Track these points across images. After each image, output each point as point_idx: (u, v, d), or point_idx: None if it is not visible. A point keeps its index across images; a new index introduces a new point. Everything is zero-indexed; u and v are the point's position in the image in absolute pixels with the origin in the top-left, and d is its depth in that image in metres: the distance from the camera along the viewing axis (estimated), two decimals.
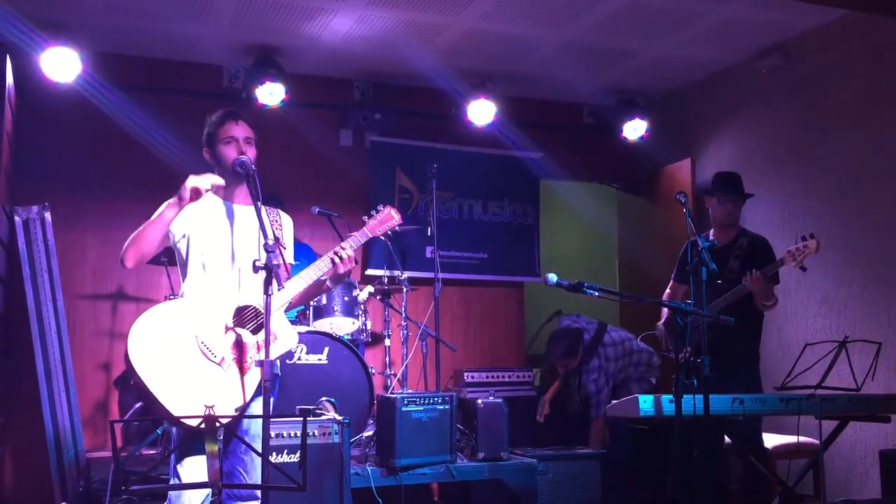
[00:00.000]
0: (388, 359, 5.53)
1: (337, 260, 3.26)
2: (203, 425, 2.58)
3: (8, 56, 4.99)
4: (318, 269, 3.27)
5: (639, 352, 5.47)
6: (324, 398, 4.45)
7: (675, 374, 3.59)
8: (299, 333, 4.74)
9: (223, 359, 3.06)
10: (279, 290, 3.01)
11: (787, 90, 5.76)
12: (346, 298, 5.25)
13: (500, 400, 4.84)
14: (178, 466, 3.06)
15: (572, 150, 7.01)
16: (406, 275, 5.40)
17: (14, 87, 5.23)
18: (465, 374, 5.70)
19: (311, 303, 5.19)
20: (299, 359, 4.75)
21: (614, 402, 4.06)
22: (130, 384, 5.01)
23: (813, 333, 5.32)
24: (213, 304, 3.11)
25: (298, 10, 5.21)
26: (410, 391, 4.92)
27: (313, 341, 4.82)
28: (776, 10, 5.18)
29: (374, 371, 5.08)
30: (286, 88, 5.69)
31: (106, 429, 5.52)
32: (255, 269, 2.86)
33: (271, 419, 2.98)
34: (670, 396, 3.66)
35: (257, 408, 3.13)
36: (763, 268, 4.24)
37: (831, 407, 4.07)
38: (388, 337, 5.49)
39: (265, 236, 2.95)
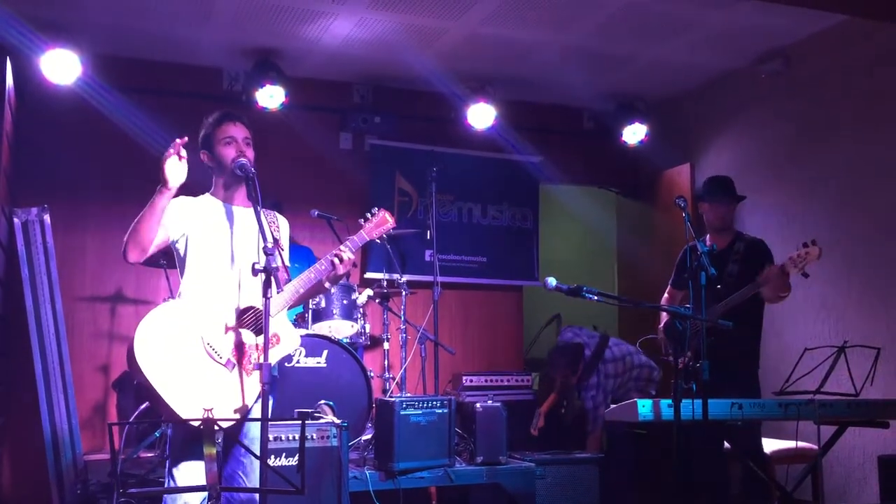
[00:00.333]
0: (386, 362, 5.53)
1: (337, 262, 3.27)
2: (202, 428, 2.58)
3: (8, 58, 4.99)
4: (317, 271, 3.28)
5: (639, 367, 5.47)
6: (322, 401, 4.45)
7: (674, 378, 3.58)
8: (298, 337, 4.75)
9: (228, 360, 3.06)
10: (278, 292, 3.02)
11: (787, 95, 5.77)
12: (344, 302, 5.25)
13: (498, 404, 4.83)
14: (175, 470, 3.06)
15: (572, 155, 7.02)
16: (405, 278, 5.40)
17: (14, 89, 5.23)
18: (464, 377, 5.70)
19: (310, 306, 5.19)
20: (298, 362, 4.75)
21: (613, 406, 4.06)
22: (132, 384, 5.00)
23: (812, 338, 5.32)
24: (217, 306, 3.11)
25: (299, 13, 5.21)
26: (409, 395, 4.92)
27: (312, 344, 4.82)
28: (776, 16, 5.18)
29: (372, 374, 5.07)
30: (286, 91, 5.70)
31: (104, 431, 5.51)
32: (255, 272, 2.86)
33: (270, 422, 2.98)
34: (669, 401, 3.66)
35: (256, 411, 3.14)
36: (762, 269, 4.24)
37: (830, 412, 4.07)
38: (387, 340, 5.49)
39: (264, 239, 2.96)
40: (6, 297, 5.14)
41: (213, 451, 2.61)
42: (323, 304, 5.20)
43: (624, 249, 7.39)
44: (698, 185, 6.34)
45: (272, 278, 2.87)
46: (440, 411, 4.58)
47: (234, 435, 3.05)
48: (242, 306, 3.15)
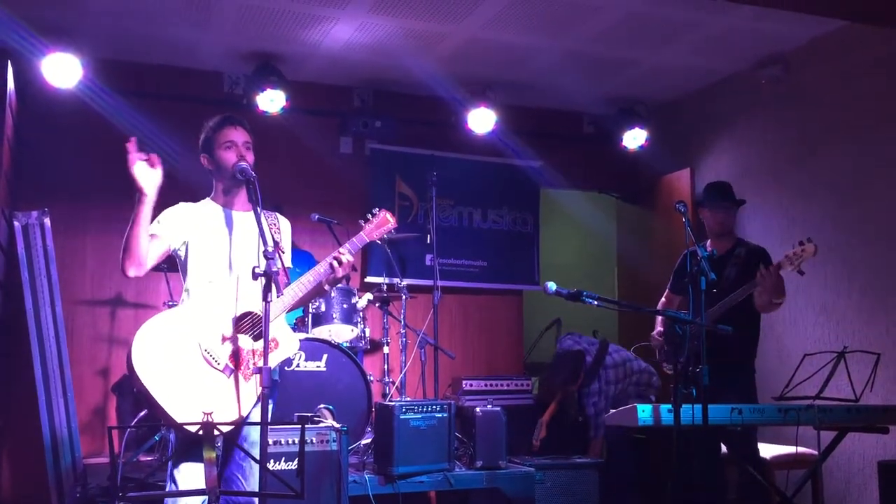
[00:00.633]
0: (386, 366, 5.53)
1: (336, 265, 3.27)
2: (202, 432, 2.59)
3: (9, 61, 5.00)
4: (317, 274, 3.28)
5: (639, 372, 5.47)
6: (322, 405, 4.45)
7: (674, 383, 3.58)
8: (298, 340, 4.75)
9: (226, 366, 3.06)
10: (278, 296, 3.02)
11: (787, 100, 5.78)
12: (344, 306, 5.25)
13: (498, 408, 4.83)
14: (175, 472, 3.06)
15: (572, 159, 7.02)
16: (405, 282, 5.40)
17: (15, 93, 5.24)
18: (464, 382, 5.69)
19: (310, 310, 5.19)
20: (298, 366, 4.74)
21: (613, 411, 4.06)
22: (130, 391, 5.01)
23: (812, 344, 5.32)
24: (215, 312, 3.11)
25: (299, 17, 5.22)
26: (409, 399, 4.91)
27: (312, 348, 4.81)
28: (776, 21, 5.19)
29: (372, 378, 5.07)
30: (287, 95, 5.71)
31: (103, 435, 5.51)
32: (255, 275, 2.87)
33: (269, 426, 2.98)
34: (669, 406, 3.66)
35: (256, 415, 3.14)
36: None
37: (830, 417, 4.06)
38: (387, 344, 5.49)
39: (265, 243, 2.96)
40: (6, 301, 5.14)
41: (213, 454, 2.61)
42: (323, 308, 5.19)
43: (624, 254, 7.39)
44: (698, 190, 6.34)
45: (272, 282, 2.87)
46: (440, 415, 4.58)
47: (233, 439, 3.05)
48: (240, 312, 3.15)
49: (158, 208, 3.26)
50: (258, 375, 3.08)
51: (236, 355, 3.08)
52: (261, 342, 3.11)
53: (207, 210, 3.30)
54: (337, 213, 5.37)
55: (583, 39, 5.56)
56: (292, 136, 6.08)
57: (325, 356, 4.84)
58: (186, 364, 3.00)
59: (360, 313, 5.38)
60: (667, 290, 4.85)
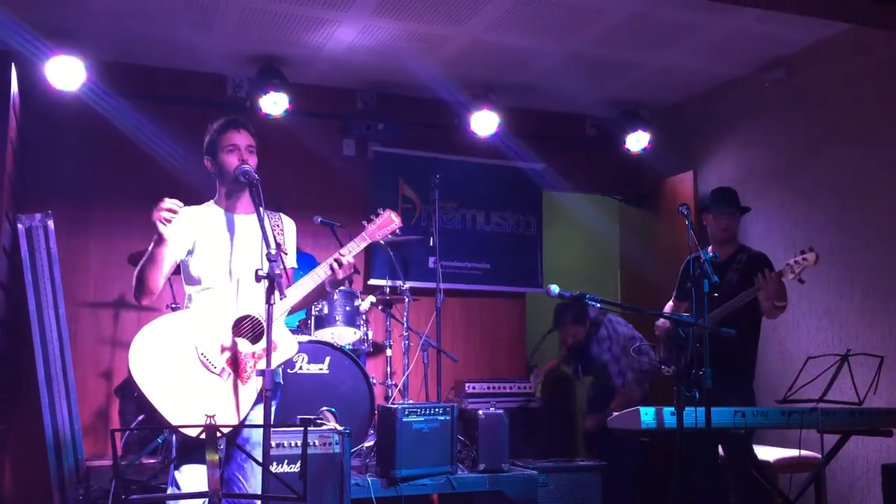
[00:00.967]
0: (389, 369, 5.53)
1: (336, 266, 3.26)
2: (204, 435, 2.59)
3: (13, 64, 5.01)
4: (317, 277, 3.28)
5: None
6: (324, 408, 4.46)
7: (677, 386, 3.58)
8: (301, 343, 4.74)
9: (223, 369, 3.06)
10: (281, 299, 3.02)
11: (790, 103, 5.77)
12: (347, 308, 5.25)
13: (501, 411, 4.83)
14: (177, 473, 3.07)
15: (575, 162, 7.02)
16: (408, 285, 5.40)
17: (19, 95, 5.24)
18: (467, 384, 5.69)
19: (313, 312, 5.20)
20: (300, 368, 4.74)
21: (615, 414, 4.06)
22: (133, 393, 5.01)
23: (815, 347, 5.31)
24: (213, 316, 3.12)
25: (303, 20, 5.23)
26: (411, 402, 4.91)
27: (314, 351, 4.81)
28: (779, 24, 5.19)
29: (375, 381, 5.07)
30: (290, 98, 5.71)
31: (106, 437, 5.51)
32: (258, 278, 2.87)
33: (272, 429, 2.98)
34: (672, 409, 3.66)
35: (258, 416, 3.14)
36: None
37: (833, 420, 4.06)
38: (390, 347, 5.49)
39: (267, 245, 2.96)
40: (9, 303, 5.14)
41: (216, 457, 2.61)
42: (326, 311, 5.19)
43: (627, 256, 7.39)
44: (701, 193, 6.36)
45: (275, 284, 2.87)
46: (442, 418, 4.58)
47: (232, 440, 3.06)
48: (239, 315, 3.15)
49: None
50: (255, 378, 3.08)
51: (234, 358, 3.09)
52: (258, 345, 3.12)
53: (210, 214, 3.31)
54: (340, 215, 5.37)
55: (586, 42, 5.56)
56: (295, 138, 6.08)
57: (327, 359, 4.84)
58: (183, 368, 3.01)
59: (363, 316, 5.38)
60: (672, 297, 4.84)
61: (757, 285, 4.21)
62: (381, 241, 3.64)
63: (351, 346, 5.21)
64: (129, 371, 2.94)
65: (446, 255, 6.30)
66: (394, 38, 5.49)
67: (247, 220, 3.31)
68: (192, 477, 3.04)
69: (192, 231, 3.24)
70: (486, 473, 4.67)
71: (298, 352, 4.64)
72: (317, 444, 4.05)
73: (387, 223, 3.51)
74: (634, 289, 7.04)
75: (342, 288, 5.07)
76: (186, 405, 2.96)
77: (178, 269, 3.34)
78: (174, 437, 3.17)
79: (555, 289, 3.54)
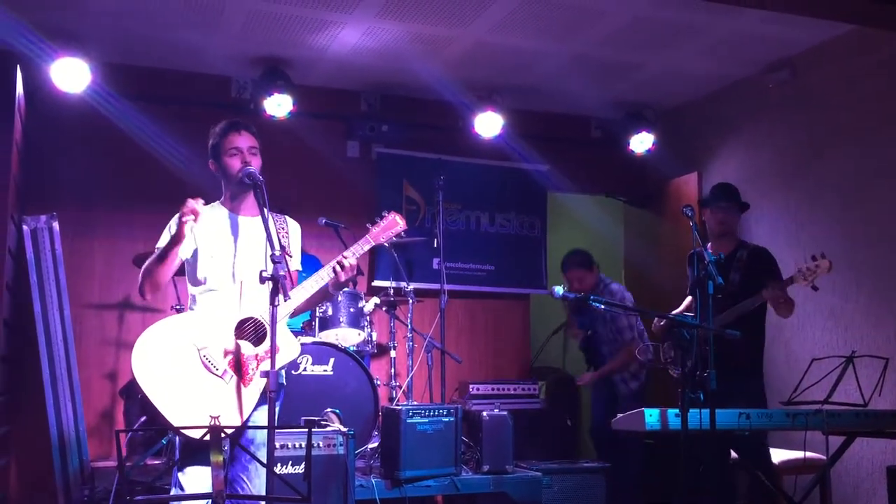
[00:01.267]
0: (393, 370, 5.53)
1: (339, 269, 3.26)
2: (208, 436, 2.59)
3: (18, 66, 5.02)
4: (320, 279, 3.28)
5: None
6: (329, 409, 4.46)
7: (681, 387, 3.57)
8: (305, 344, 4.75)
9: (225, 371, 3.07)
10: (285, 300, 3.02)
11: (795, 104, 5.76)
12: (351, 310, 5.25)
13: (505, 412, 4.83)
14: (180, 474, 3.08)
15: (579, 163, 7.02)
16: (412, 286, 5.40)
17: (24, 97, 5.26)
18: (471, 386, 5.69)
19: (317, 313, 5.20)
20: (305, 370, 4.75)
21: (620, 416, 4.05)
22: (137, 395, 5.02)
23: (820, 348, 5.30)
24: (216, 318, 3.12)
25: (307, 22, 5.23)
26: (415, 403, 4.92)
27: (319, 352, 4.82)
28: (784, 25, 5.18)
29: (379, 382, 5.07)
30: (294, 100, 5.72)
31: (111, 438, 5.53)
32: (262, 279, 2.87)
33: (276, 430, 2.98)
34: (676, 410, 3.65)
35: (261, 418, 3.14)
36: (768, 278, 4.23)
37: (838, 422, 4.04)
38: (394, 348, 5.49)
39: (272, 247, 2.96)
40: (15, 304, 5.16)
41: (220, 458, 2.61)
42: (330, 312, 5.20)
43: (631, 258, 7.38)
44: (706, 194, 6.35)
45: (279, 286, 2.87)
46: (446, 420, 4.58)
47: (235, 441, 3.06)
48: (242, 317, 3.16)
49: (167, 211, 3.27)
50: (258, 380, 3.09)
51: (236, 361, 3.09)
52: (261, 347, 3.13)
53: (216, 215, 3.32)
54: (344, 217, 5.38)
55: (590, 43, 5.56)
56: (299, 140, 6.09)
57: (331, 360, 4.84)
58: (186, 370, 3.02)
59: (367, 317, 5.38)
60: (688, 294, 4.81)
61: (762, 294, 4.20)
62: (386, 244, 3.64)
63: (355, 348, 5.22)
64: (131, 372, 2.94)
65: (450, 257, 6.30)
66: (398, 40, 5.49)
67: (251, 222, 3.31)
68: (196, 478, 3.04)
69: (197, 231, 3.24)
70: (490, 475, 4.67)
71: (302, 353, 4.67)
72: (321, 445, 4.05)
73: (391, 226, 3.51)
74: (639, 290, 7.00)
75: (346, 290, 5.07)
76: (189, 407, 2.97)
77: (182, 270, 3.34)
78: (177, 439, 3.18)
79: (559, 290, 3.54)
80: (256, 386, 3.11)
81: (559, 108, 6.94)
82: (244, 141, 3.29)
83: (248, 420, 3.09)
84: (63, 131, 5.60)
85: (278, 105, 5.71)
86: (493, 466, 4.68)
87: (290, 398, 3.62)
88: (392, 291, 5.47)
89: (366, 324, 5.36)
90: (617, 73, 6.13)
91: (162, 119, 5.62)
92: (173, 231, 3.18)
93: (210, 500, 2.70)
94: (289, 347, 3.24)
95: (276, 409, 3.00)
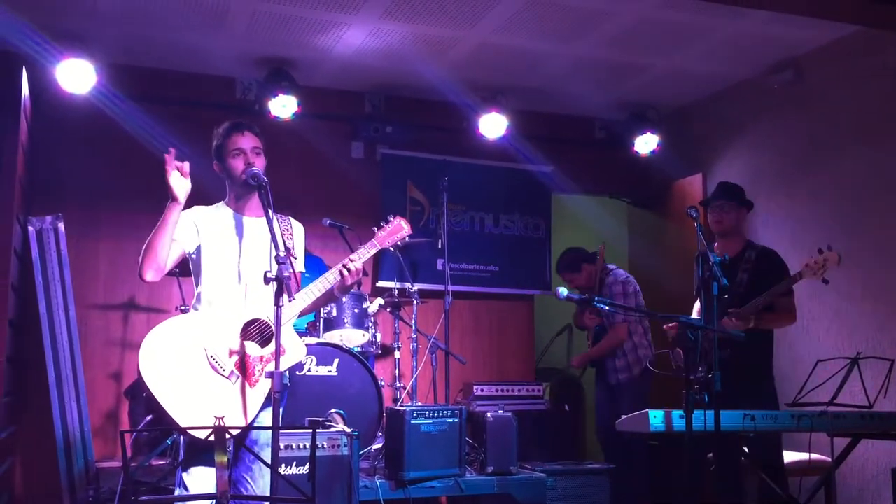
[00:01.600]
0: (397, 371, 5.53)
1: (345, 272, 3.27)
2: (213, 436, 2.60)
3: (24, 67, 5.04)
4: (326, 282, 3.29)
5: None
6: (333, 410, 4.46)
7: (686, 389, 3.57)
8: (310, 345, 4.76)
9: (231, 372, 3.07)
10: (290, 301, 3.03)
11: (799, 105, 5.75)
12: (356, 310, 5.26)
13: (509, 414, 4.83)
14: (185, 475, 3.08)
15: (583, 164, 7.01)
16: (416, 287, 5.40)
17: (29, 99, 5.27)
18: (475, 387, 5.70)
19: (322, 314, 5.21)
20: (309, 370, 4.75)
21: (624, 417, 4.05)
22: (141, 395, 5.03)
23: (825, 350, 5.29)
24: (222, 318, 3.13)
25: (312, 23, 5.24)
26: (420, 404, 4.92)
27: (323, 353, 4.82)
28: (788, 26, 5.18)
29: (383, 383, 5.07)
30: (298, 101, 5.72)
31: (116, 438, 5.53)
32: (267, 280, 2.88)
33: (280, 430, 2.98)
34: (681, 412, 3.65)
35: (266, 419, 3.15)
36: (776, 279, 4.23)
37: (843, 424, 4.04)
38: (398, 349, 5.49)
39: (276, 248, 2.97)
40: (20, 305, 5.17)
41: (225, 459, 2.62)
42: (334, 313, 5.20)
43: (636, 259, 7.37)
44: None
45: (284, 287, 2.88)
46: (451, 420, 4.58)
47: (240, 441, 3.07)
48: (248, 318, 3.16)
49: None
50: (264, 381, 3.09)
51: (242, 362, 3.10)
52: (267, 349, 3.13)
53: (220, 215, 3.32)
54: (348, 217, 5.38)
55: (595, 45, 5.56)
56: (304, 141, 6.10)
57: (336, 361, 4.85)
58: (193, 370, 3.02)
59: (372, 318, 5.39)
60: (695, 295, 4.81)
61: (770, 290, 4.19)
62: (391, 248, 3.65)
63: (359, 349, 5.22)
64: (138, 372, 2.95)
65: (455, 258, 6.29)
66: (402, 41, 5.50)
67: (256, 223, 3.32)
68: (200, 478, 3.05)
69: (201, 228, 3.25)
70: (495, 476, 4.67)
71: (307, 354, 4.67)
72: (325, 446, 4.06)
73: (397, 230, 3.53)
74: (643, 292, 7.02)
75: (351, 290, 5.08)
76: (195, 407, 2.97)
77: (187, 270, 3.35)
78: (182, 439, 3.19)
79: (563, 291, 3.54)
80: (262, 387, 3.11)
81: (563, 110, 6.94)
82: (247, 141, 3.29)
83: (253, 421, 3.09)
84: (68, 132, 5.61)
85: (283, 106, 5.72)
86: (497, 467, 4.68)
87: (294, 399, 3.63)
88: (396, 292, 5.47)
89: (370, 325, 5.36)
90: (621, 75, 6.13)
91: (167, 120, 5.63)
92: (170, 205, 3.15)
93: (214, 501, 2.70)
94: (295, 349, 3.24)
95: (280, 411, 3.00)
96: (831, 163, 5.48)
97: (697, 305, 4.77)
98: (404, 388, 5.50)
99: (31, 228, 4.90)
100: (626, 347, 5.54)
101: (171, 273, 4.85)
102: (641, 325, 5.64)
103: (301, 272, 3.44)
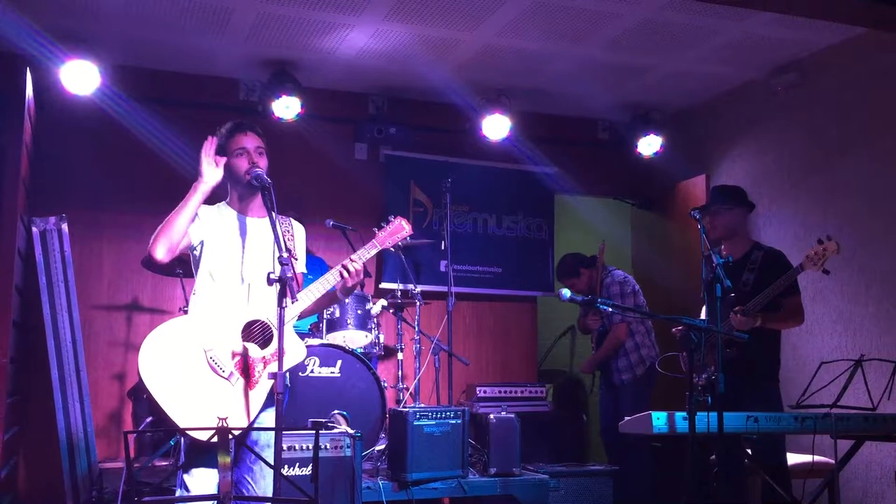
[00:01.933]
0: (400, 372, 5.53)
1: (345, 273, 3.27)
2: (215, 437, 2.60)
3: (28, 69, 5.05)
4: (327, 283, 3.29)
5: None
6: (336, 411, 4.46)
7: (689, 391, 3.56)
8: (312, 346, 4.76)
9: (231, 373, 3.07)
10: (292, 302, 3.03)
11: (803, 107, 5.75)
12: (359, 312, 5.26)
13: (512, 415, 4.83)
14: (186, 476, 3.08)
15: (587, 166, 7.01)
16: (419, 288, 5.40)
17: (34, 100, 5.28)
18: (478, 388, 5.70)
19: (325, 316, 5.21)
20: (312, 371, 4.76)
21: (627, 418, 4.05)
22: (144, 396, 5.04)
23: (828, 352, 5.28)
24: (223, 319, 3.13)
25: (315, 24, 5.25)
26: (422, 405, 4.92)
27: (326, 354, 4.83)
28: (792, 28, 5.17)
29: (386, 385, 5.08)
30: (302, 102, 5.73)
31: (119, 439, 5.54)
32: (270, 281, 2.88)
33: (283, 432, 2.99)
34: (684, 413, 3.64)
35: (267, 420, 3.15)
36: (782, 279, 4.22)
37: (847, 426, 4.03)
38: (401, 351, 5.49)
39: (279, 249, 2.97)
40: (24, 306, 5.18)
41: (227, 460, 2.62)
42: (337, 315, 5.21)
43: (639, 261, 7.37)
44: None
45: (287, 288, 2.88)
46: (454, 422, 4.58)
47: (241, 442, 3.07)
48: (249, 319, 3.16)
49: (172, 209, 3.27)
50: (265, 382, 3.10)
51: (243, 363, 3.10)
52: (268, 350, 3.14)
53: (223, 215, 3.32)
54: (352, 219, 5.38)
55: (598, 46, 5.56)
56: (307, 142, 6.10)
57: (339, 362, 4.85)
58: (192, 371, 3.02)
59: (375, 319, 5.39)
60: (702, 296, 4.79)
61: (773, 285, 4.18)
62: (392, 249, 3.66)
63: (362, 350, 5.22)
64: (138, 374, 2.95)
65: (458, 259, 6.30)
66: (405, 43, 5.50)
67: (259, 224, 3.32)
68: (201, 479, 3.05)
69: (205, 224, 3.25)
70: (498, 477, 4.66)
71: (310, 355, 4.68)
72: (328, 447, 4.06)
73: (397, 230, 3.53)
74: (646, 293, 7.00)
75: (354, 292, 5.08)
76: (195, 408, 2.98)
77: (190, 272, 3.34)
78: (182, 440, 3.19)
79: (566, 293, 3.54)
80: (263, 388, 3.12)
81: (567, 111, 6.93)
82: (250, 141, 3.30)
83: (254, 422, 3.09)
84: (72, 133, 5.62)
85: (286, 107, 5.73)
86: (500, 469, 4.68)
87: (297, 400, 3.64)
88: (399, 294, 5.47)
89: (373, 326, 5.36)
90: (625, 76, 6.13)
91: (170, 121, 5.64)
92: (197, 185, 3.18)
93: (216, 502, 2.70)
94: (294, 350, 3.24)
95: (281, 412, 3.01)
96: (835, 165, 5.48)
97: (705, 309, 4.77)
98: (407, 389, 5.50)
99: (34, 229, 4.91)
100: (627, 347, 5.54)
101: (174, 274, 4.91)
102: (643, 324, 5.64)
103: (302, 273, 3.45)
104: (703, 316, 4.72)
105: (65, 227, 5.03)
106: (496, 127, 6.23)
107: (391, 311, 5.48)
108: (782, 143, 5.93)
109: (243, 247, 3.26)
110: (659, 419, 3.76)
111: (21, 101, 4.88)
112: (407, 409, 4.49)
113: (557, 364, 7.39)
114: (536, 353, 6.98)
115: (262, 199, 3.22)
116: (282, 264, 2.89)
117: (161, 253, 3.11)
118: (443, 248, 5.45)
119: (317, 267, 5.33)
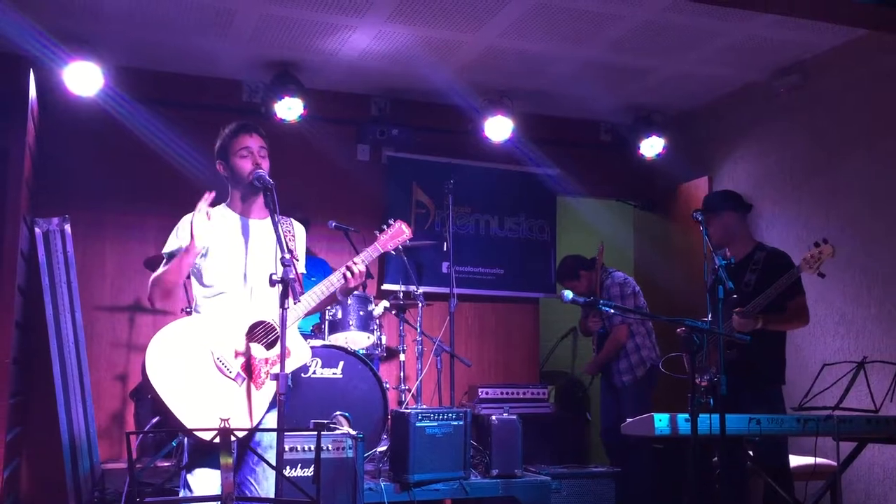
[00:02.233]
0: (402, 374, 5.53)
1: (349, 275, 3.29)
2: (218, 438, 2.60)
3: (31, 70, 5.06)
4: (330, 284, 3.30)
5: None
6: (338, 412, 4.46)
7: (691, 392, 3.56)
8: (314, 347, 4.77)
9: (237, 374, 3.08)
10: (295, 303, 3.04)
11: (806, 109, 5.74)
12: (361, 313, 5.26)
13: (514, 416, 4.82)
14: (189, 476, 3.09)
15: (589, 167, 7.01)
16: (421, 290, 5.41)
17: (37, 101, 5.29)
18: (480, 390, 5.69)
19: (327, 317, 5.21)
20: (314, 372, 4.76)
21: (630, 420, 4.05)
22: (147, 397, 5.04)
23: (831, 354, 5.28)
24: (228, 320, 3.14)
25: (318, 26, 5.25)
26: (424, 406, 4.92)
27: (328, 355, 4.83)
28: (795, 30, 5.17)
29: (388, 386, 5.08)
30: (304, 103, 5.74)
31: (121, 440, 5.54)
32: (272, 282, 2.89)
33: (285, 433, 2.99)
34: (686, 415, 3.64)
35: (271, 421, 3.15)
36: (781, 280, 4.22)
37: (849, 428, 4.03)
38: (403, 352, 5.50)
39: (282, 250, 2.98)
40: (27, 306, 5.18)
41: (229, 460, 2.62)
42: (339, 316, 5.21)
43: (641, 262, 7.37)
44: None
45: (289, 289, 2.89)
46: (456, 423, 4.58)
47: (245, 443, 3.07)
48: (254, 321, 3.17)
49: (178, 214, 3.28)
50: (269, 384, 3.10)
51: (248, 364, 3.11)
52: (272, 351, 3.14)
53: (224, 217, 3.33)
54: (354, 220, 5.39)
55: (601, 48, 5.56)
56: (310, 143, 6.11)
57: (341, 363, 4.85)
58: (199, 372, 3.03)
59: (377, 321, 5.39)
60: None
61: (773, 286, 4.18)
62: (393, 252, 3.68)
63: (364, 351, 5.22)
64: (144, 373, 2.96)
65: (460, 260, 6.30)
66: (408, 44, 5.50)
67: (261, 225, 3.33)
68: (204, 480, 3.05)
69: (208, 236, 3.25)
70: (499, 479, 4.66)
71: (312, 356, 4.68)
72: (330, 448, 4.06)
73: (398, 234, 3.56)
74: (649, 294, 7.00)
75: (356, 293, 5.08)
76: (201, 409, 2.98)
77: (193, 273, 3.35)
78: (186, 441, 3.19)
79: (568, 294, 3.54)
80: (267, 389, 3.12)
81: (569, 113, 6.93)
82: (254, 142, 3.30)
83: (258, 423, 3.10)
84: (75, 134, 5.63)
85: (289, 109, 5.73)
86: (502, 470, 4.68)
87: (299, 401, 3.64)
88: (401, 295, 5.48)
89: (375, 327, 5.37)
90: (627, 78, 6.13)
91: (173, 122, 5.65)
92: (181, 236, 3.19)
93: (219, 503, 2.70)
94: (299, 352, 3.25)
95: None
96: (837, 166, 5.47)
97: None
98: (409, 390, 5.50)
99: (37, 230, 4.92)
100: (628, 348, 5.54)
101: None
102: (644, 325, 5.64)
103: (302, 273, 3.45)
104: (709, 317, 4.72)
105: (68, 227, 5.03)
106: (498, 128, 6.23)
107: (393, 312, 5.48)
108: (784, 144, 5.92)
109: (247, 249, 3.27)
110: (661, 421, 3.75)
111: (24, 102, 4.89)
112: (409, 411, 4.49)
113: (559, 366, 7.38)
114: (538, 354, 6.98)
115: (264, 200, 3.22)
116: (284, 265, 2.90)
117: (160, 303, 3.26)
118: (445, 249, 5.45)
119: (319, 268, 5.34)
